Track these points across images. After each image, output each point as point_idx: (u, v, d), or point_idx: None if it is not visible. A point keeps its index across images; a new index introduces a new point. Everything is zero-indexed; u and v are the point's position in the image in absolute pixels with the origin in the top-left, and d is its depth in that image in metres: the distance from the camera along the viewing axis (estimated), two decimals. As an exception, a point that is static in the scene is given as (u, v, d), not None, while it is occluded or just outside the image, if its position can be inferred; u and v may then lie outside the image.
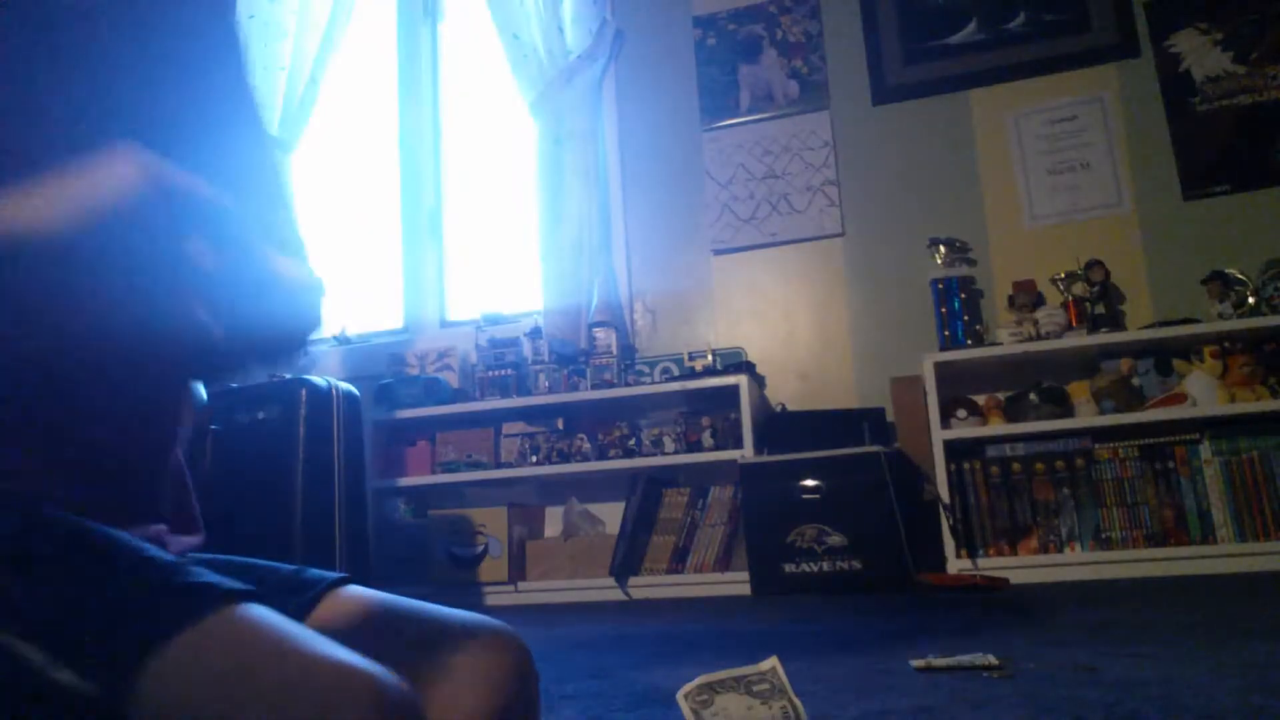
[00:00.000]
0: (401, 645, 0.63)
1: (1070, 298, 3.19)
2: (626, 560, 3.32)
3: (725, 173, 3.75)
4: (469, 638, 0.65)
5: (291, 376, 3.15)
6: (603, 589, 3.31)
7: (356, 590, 0.69)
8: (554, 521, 3.67)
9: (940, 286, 3.31)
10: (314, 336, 0.60)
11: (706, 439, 3.37)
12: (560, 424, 3.61)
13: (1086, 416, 3.02)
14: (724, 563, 3.27)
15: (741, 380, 3.27)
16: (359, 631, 0.64)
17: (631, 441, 3.50)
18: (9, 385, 0.55)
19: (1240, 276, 3.04)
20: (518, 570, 3.46)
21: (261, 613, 0.50)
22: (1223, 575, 2.68)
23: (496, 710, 0.63)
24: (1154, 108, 3.34)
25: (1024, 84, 3.48)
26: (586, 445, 3.51)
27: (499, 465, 3.62)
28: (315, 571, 0.70)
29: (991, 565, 2.95)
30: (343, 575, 0.70)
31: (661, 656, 1.82)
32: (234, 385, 3.11)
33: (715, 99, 3.82)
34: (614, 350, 3.58)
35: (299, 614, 0.65)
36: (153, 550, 0.53)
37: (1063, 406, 3.06)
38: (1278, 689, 1.14)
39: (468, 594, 3.41)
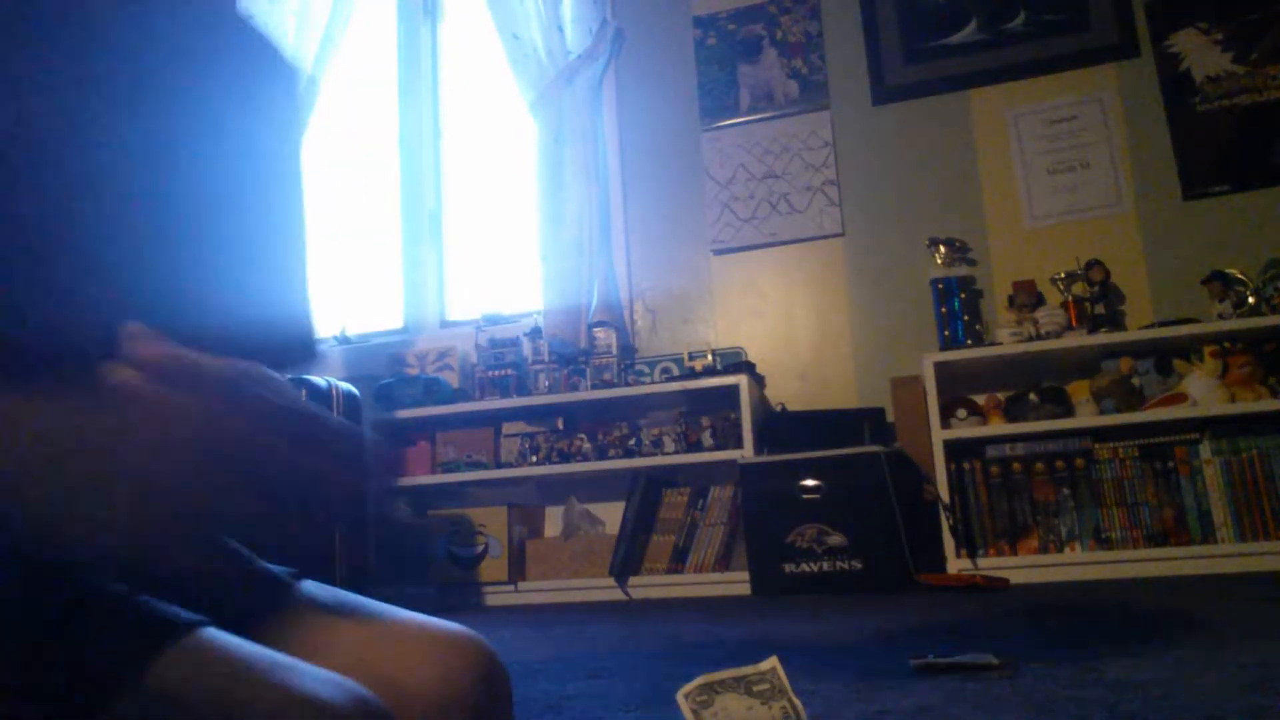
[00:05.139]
0: (356, 645, 0.61)
1: (1070, 298, 3.19)
2: (626, 560, 3.32)
3: (725, 172, 3.75)
4: (426, 639, 0.63)
5: (291, 377, 3.15)
6: (603, 589, 3.31)
7: (309, 589, 0.66)
8: (554, 521, 3.67)
9: (940, 286, 3.31)
10: (361, 486, 0.53)
11: (706, 439, 3.37)
12: (560, 424, 3.61)
13: (1086, 416, 3.02)
14: (724, 563, 3.27)
15: (741, 380, 3.27)
16: (313, 632, 0.62)
17: (631, 441, 3.50)
18: None
19: (1240, 276, 3.04)
20: (518, 570, 3.46)
21: (225, 639, 0.47)
22: (1223, 575, 2.68)
23: (456, 710, 0.62)
24: (1154, 108, 3.34)
25: (1024, 84, 3.48)
26: (586, 445, 3.51)
27: (499, 465, 3.62)
28: (263, 565, 0.66)
29: (991, 565, 2.95)
30: (291, 571, 0.66)
31: (661, 656, 1.82)
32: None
33: (715, 99, 3.82)
34: (614, 350, 3.58)
35: (264, 613, 0.62)
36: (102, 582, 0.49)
37: (1063, 406, 3.06)
38: (1278, 689, 1.14)
39: (468, 594, 3.41)
